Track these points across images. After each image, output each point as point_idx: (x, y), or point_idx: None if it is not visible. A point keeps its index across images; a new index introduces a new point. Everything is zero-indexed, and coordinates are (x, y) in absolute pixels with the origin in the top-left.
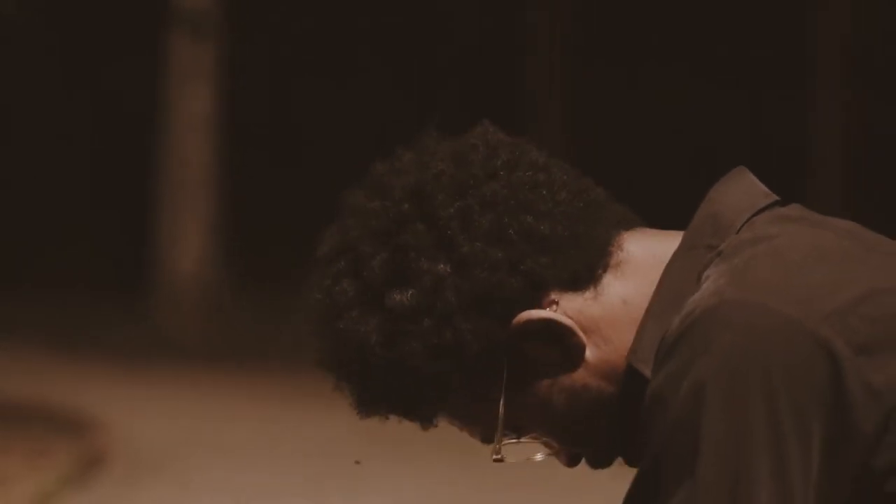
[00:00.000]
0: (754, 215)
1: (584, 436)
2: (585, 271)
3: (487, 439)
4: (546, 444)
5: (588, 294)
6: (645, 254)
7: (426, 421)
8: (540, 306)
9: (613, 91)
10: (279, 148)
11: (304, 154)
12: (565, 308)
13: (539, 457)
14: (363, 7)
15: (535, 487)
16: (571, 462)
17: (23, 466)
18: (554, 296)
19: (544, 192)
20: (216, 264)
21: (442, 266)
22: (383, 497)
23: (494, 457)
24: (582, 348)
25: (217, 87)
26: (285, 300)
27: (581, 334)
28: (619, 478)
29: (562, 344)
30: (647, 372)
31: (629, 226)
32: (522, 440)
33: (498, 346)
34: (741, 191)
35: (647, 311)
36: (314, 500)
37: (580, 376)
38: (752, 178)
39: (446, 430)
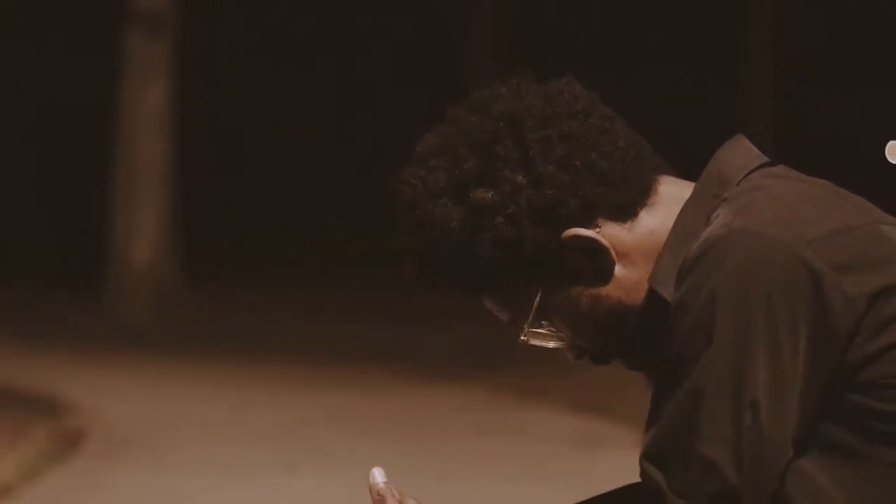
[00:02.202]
0: (750, 172)
1: (595, 335)
2: (629, 206)
3: (517, 323)
4: (561, 338)
5: (626, 226)
6: (671, 196)
7: (471, 293)
8: (587, 227)
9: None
10: (233, 144)
11: (258, 150)
12: (606, 232)
13: (552, 345)
14: (316, 4)
15: (499, 459)
16: (577, 357)
17: (4, 445)
18: (600, 221)
19: (608, 138)
20: (172, 256)
21: (521, 178)
22: (349, 470)
23: (521, 338)
24: (612, 266)
25: (172, 84)
26: (238, 291)
27: (614, 255)
28: (580, 447)
29: (596, 259)
30: (664, 292)
31: (664, 172)
32: (545, 331)
33: (548, 251)
34: (740, 153)
35: (665, 244)
36: (284, 473)
37: (605, 289)
38: (749, 143)
39: (418, 411)
